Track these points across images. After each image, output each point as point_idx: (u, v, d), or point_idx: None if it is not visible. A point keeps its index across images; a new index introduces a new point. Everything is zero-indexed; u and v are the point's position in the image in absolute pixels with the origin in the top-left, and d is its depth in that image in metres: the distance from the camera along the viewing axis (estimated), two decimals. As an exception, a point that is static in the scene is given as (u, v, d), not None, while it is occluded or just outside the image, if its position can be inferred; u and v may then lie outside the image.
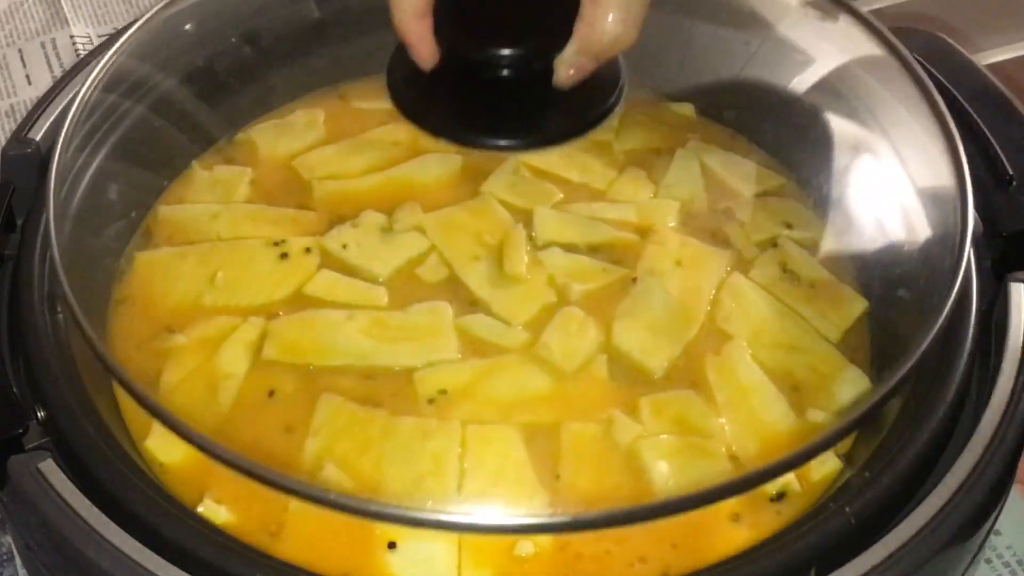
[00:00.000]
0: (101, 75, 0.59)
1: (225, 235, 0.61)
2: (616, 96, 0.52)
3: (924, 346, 0.48)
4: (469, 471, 0.51)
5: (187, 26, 0.66)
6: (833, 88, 0.63)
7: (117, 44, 0.61)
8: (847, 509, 0.47)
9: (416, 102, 0.52)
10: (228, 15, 0.68)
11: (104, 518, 0.46)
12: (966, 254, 0.52)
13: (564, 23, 0.49)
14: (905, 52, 0.59)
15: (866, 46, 0.61)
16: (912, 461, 0.48)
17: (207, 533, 0.47)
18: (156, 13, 0.63)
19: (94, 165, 0.60)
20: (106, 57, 0.60)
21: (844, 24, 0.62)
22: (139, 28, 0.62)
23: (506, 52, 0.50)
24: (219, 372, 0.55)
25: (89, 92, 0.58)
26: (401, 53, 0.51)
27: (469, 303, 0.57)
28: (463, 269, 0.58)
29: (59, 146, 0.56)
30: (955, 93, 0.61)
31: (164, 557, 0.45)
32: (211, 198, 0.63)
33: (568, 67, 0.49)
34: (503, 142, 0.52)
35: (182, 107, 0.66)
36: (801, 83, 0.65)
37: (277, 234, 0.60)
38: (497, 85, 0.51)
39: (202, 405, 0.54)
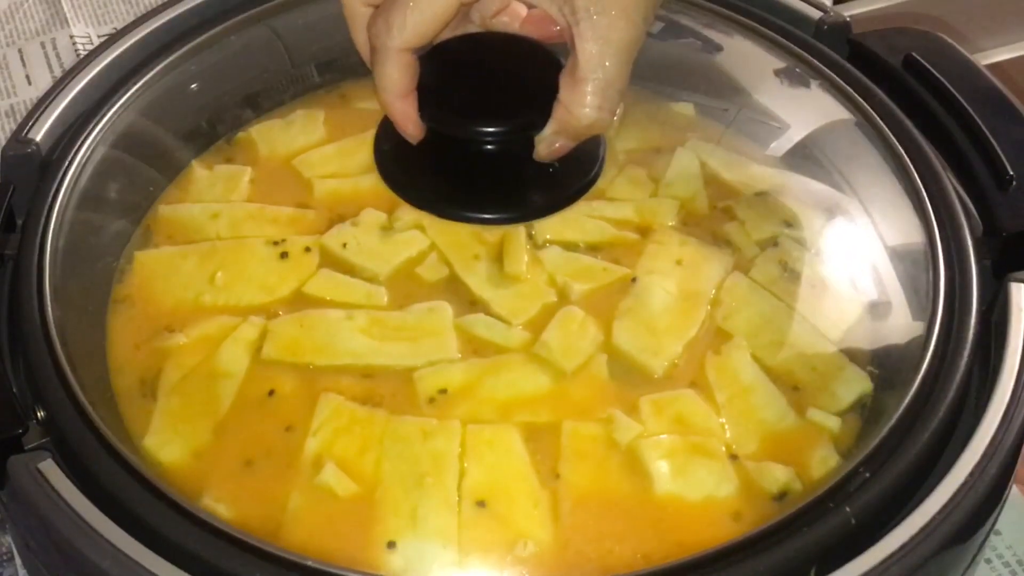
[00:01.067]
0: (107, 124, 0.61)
1: (225, 234, 0.61)
2: (597, 169, 0.53)
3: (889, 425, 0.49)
4: (469, 470, 0.51)
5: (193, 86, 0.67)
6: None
7: (124, 98, 0.62)
8: (847, 509, 0.47)
9: (401, 175, 0.53)
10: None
11: (104, 518, 0.46)
12: (941, 269, 0.54)
13: (544, 100, 0.50)
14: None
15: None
16: (912, 461, 0.48)
17: (207, 532, 0.47)
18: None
19: (93, 165, 0.60)
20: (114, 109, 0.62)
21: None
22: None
23: (488, 129, 0.51)
24: (219, 371, 0.55)
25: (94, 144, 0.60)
26: (388, 125, 0.52)
27: (469, 302, 0.57)
28: (463, 268, 0.58)
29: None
30: (955, 93, 0.61)
31: (164, 557, 0.45)
32: (211, 197, 0.63)
33: (548, 145, 0.51)
34: (486, 216, 0.53)
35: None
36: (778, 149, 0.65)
37: (277, 233, 0.60)
38: (479, 160, 0.52)
39: (202, 404, 0.54)
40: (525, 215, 0.55)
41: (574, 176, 0.53)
